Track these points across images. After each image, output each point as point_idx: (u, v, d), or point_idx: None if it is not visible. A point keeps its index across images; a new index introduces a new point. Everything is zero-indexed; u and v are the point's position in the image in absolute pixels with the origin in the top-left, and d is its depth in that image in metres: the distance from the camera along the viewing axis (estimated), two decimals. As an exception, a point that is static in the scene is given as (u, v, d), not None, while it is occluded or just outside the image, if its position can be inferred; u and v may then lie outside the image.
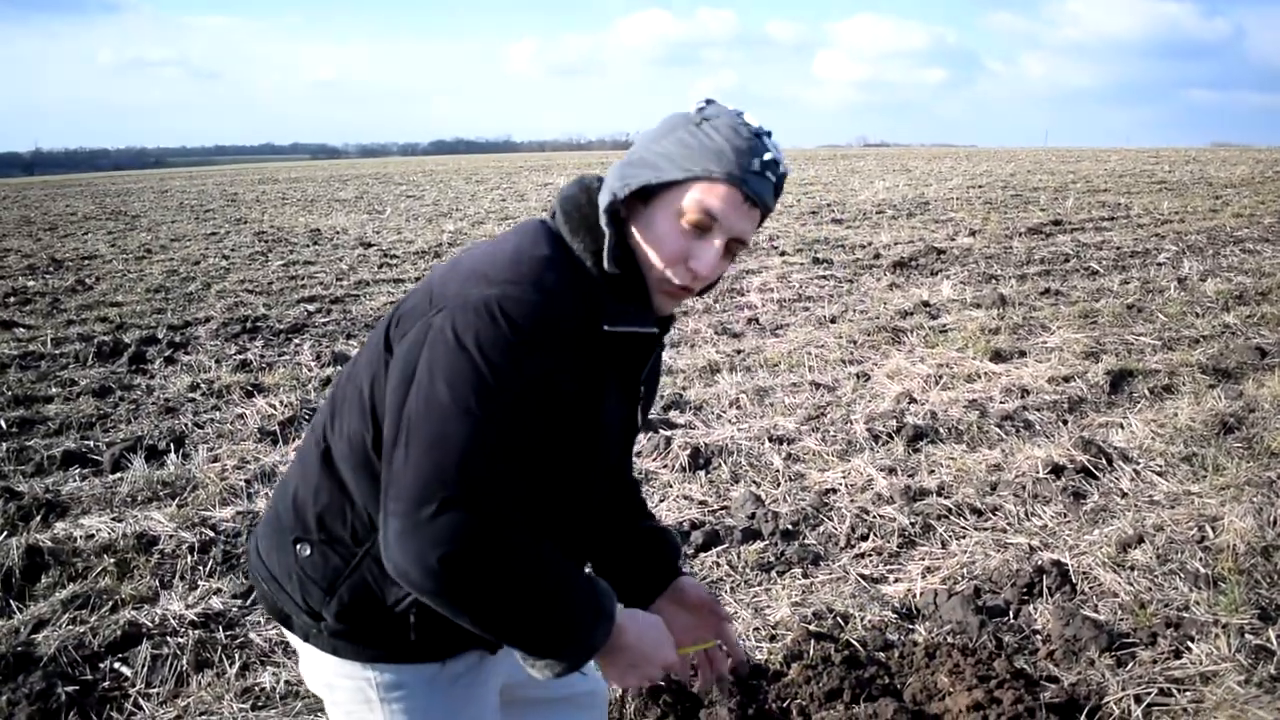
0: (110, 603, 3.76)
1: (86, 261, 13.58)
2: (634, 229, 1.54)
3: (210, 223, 19.17)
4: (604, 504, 1.84)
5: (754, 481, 4.87)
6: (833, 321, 8.42)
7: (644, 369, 1.65)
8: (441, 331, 1.40)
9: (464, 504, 1.33)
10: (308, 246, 14.65)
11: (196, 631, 3.54)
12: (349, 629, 1.59)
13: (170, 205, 24.49)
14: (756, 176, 1.47)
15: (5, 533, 4.31)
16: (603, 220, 1.52)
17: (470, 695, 1.70)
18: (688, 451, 5.08)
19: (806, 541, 4.24)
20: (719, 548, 4.16)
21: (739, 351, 7.38)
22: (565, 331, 1.43)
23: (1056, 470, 4.87)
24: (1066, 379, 6.43)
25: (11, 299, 10.48)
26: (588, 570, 1.84)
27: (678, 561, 1.95)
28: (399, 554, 1.35)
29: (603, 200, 1.53)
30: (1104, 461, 4.96)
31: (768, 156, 1.48)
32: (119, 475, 5.08)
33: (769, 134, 1.51)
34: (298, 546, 1.60)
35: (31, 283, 11.65)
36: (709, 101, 1.55)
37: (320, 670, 1.66)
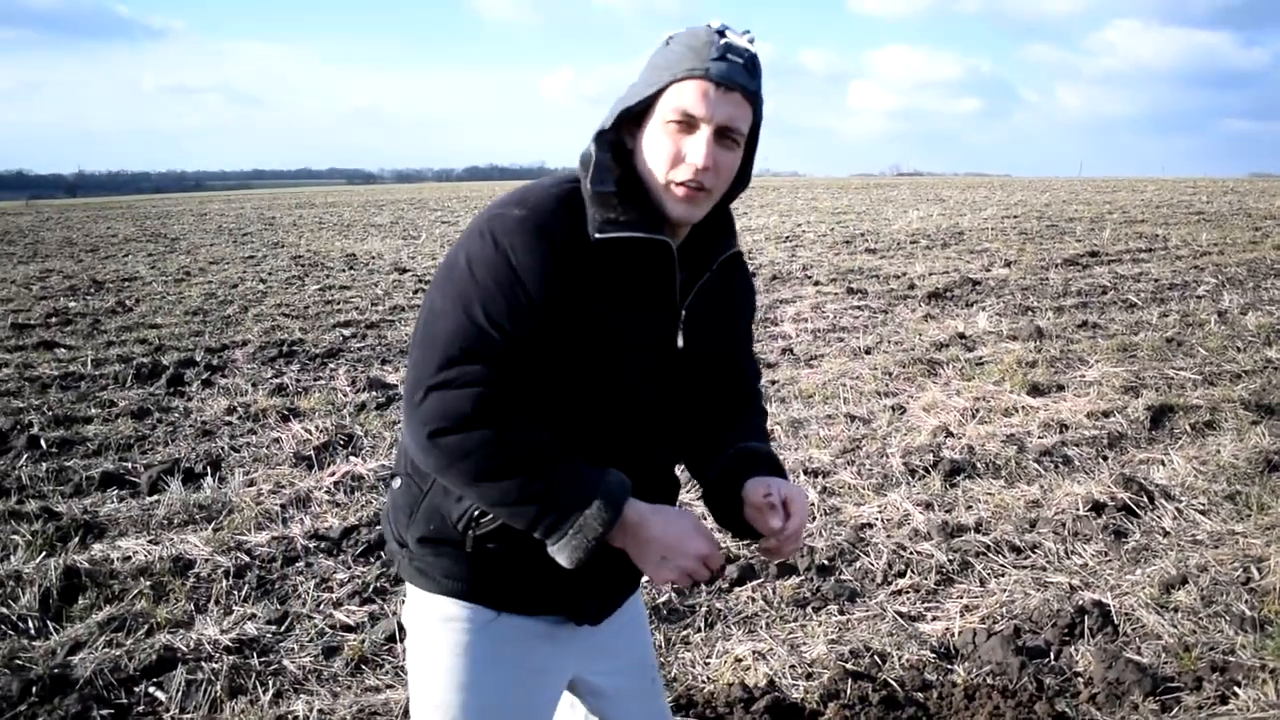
0: (146, 626, 3.77)
1: (127, 283, 13.76)
2: (637, 152, 1.65)
3: (248, 246, 19.38)
4: (668, 436, 1.82)
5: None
6: (867, 353, 8.38)
7: (674, 287, 1.69)
8: (447, 257, 1.64)
9: (445, 386, 1.53)
10: (344, 271, 14.78)
11: (231, 657, 3.55)
12: (425, 555, 1.75)
13: (209, 228, 24.79)
14: (719, 63, 1.55)
15: (44, 553, 4.35)
16: (592, 147, 1.64)
17: (515, 654, 1.79)
18: (722, 483, 5.05)
19: (843, 577, 4.20)
20: (754, 582, 4.12)
21: (773, 382, 7.35)
22: (547, 242, 1.56)
23: (1097, 508, 4.80)
24: (1106, 414, 6.35)
25: (53, 319, 10.62)
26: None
27: (755, 472, 1.78)
28: (408, 439, 1.59)
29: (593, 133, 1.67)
30: (1145, 499, 4.89)
31: (723, 42, 1.57)
32: (156, 497, 5.11)
33: (731, 29, 1.60)
34: (394, 481, 1.83)
35: (73, 303, 11.82)
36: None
37: (407, 601, 1.85)
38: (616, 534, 1.59)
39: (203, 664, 3.50)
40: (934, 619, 3.87)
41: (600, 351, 1.62)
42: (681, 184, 1.60)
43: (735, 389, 1.95)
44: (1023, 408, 6.56)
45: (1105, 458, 5.64)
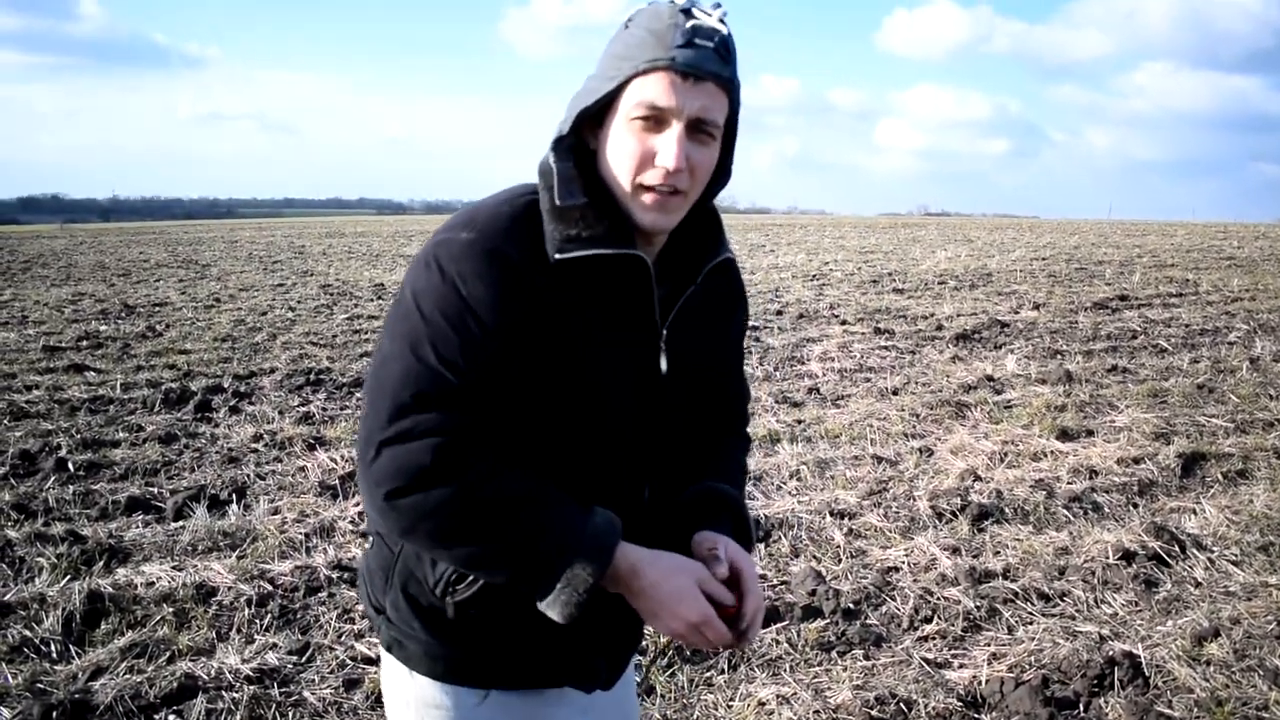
0: (167, 653, 3.77)
1: (157, 308, 13.89)
2: (600, 155, 1.48)
3: (277, 274, 19.54)
4: (658, 470, 1.63)
5: (814, 556, 4.79)
6: (895, 393, 8.33)
7: (652, 305, 1.51)
8: (397, 292, 1.47)
9: (398, 440, 1.36)
10: (372, 301, 14.87)
11: (251, 687, 3.54)
12: (402, 625, 1.57)
13: (239, 255, 25.03)
14: (685, 49, 1.37)
15: (69, 577, 4.37)
16: (550, 157, 1.48)
17: None
18: (747, 522, 5.01)
19: (868, 621, 4.15)
20: (779, 624, 4.08)
21: (799, 421, 7.31)
22: (499, 267, 1.39)
23: (1127, 556, 4.73)
24: (1136, 460, 6.28)
25: (84, 343, 10.73)
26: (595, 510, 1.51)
27: (713, 523, 1.65)
28: (364, 502, 1.43)
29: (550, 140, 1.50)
30: (1176, 549, 4.82)
31: (690, 24, 1.38)
32: (181, 524, 5.12)
33: (699, 5, 1.43)
34: (368, 540, 1.68)
35: (104, 327, 11.93)
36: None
37: (384, 668, 1.67)
38: (609, 581, 1.42)
39: (223, 693, 3.49)
40: (961, 666, 3.81)
41: (573, 382, 1.45)
42: (651, 189, 1.43)
43: (720, 413, 1.79)
44: (1052, 452, 6.49)
45: (1135, 505, 5.57)
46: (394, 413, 1.37)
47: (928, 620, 4.17)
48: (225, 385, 8.45)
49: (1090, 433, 7.04)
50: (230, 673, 3.61)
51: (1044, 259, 22.71)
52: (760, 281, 17.52)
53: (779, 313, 13.21)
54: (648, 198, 1.44)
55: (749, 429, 1.94)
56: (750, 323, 12.03)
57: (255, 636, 3.95)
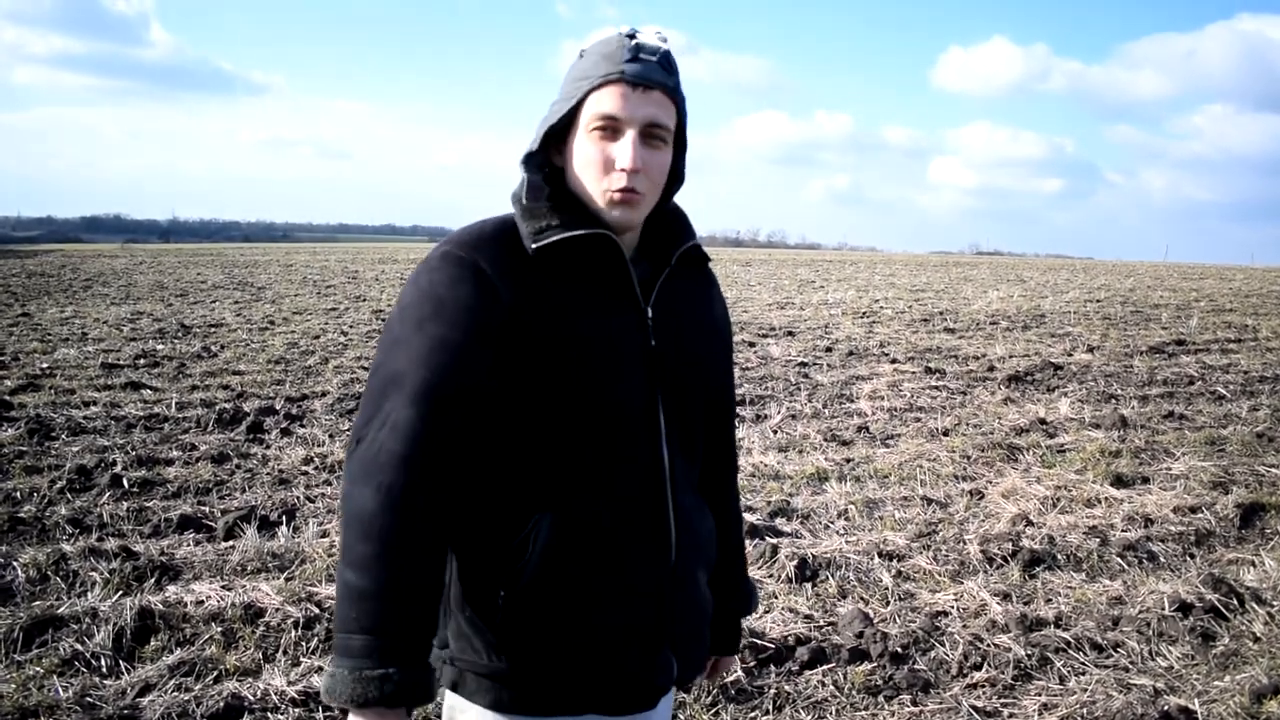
0: (215, 672, 3.80)
1: (213, 329, 14.12)
2: (568, 168, 1.63)
3: (331, 298, 19.80)
4: (688, 471, 1.75)
5: (862, 598, 4.73)
6: (945, 434, 8.24)
7: (632, 283, 1.64)
8: None
9: (367, 438, 1.50)
10: (422, 326, 14.97)
11: (297, 710, 3.56)
12: (464, 653, 1.62)
13: (294, 279, 25.39)
14: (633, 64, 1.55)
15: (120, 592, 4.43)
16: (521, 169, 1.65)
17: None
18: (794, 562, 4.97)
19: (916, 666, 4.08)
20: (825, 666, 4.03)
21: (848, 460, 7.25)
22: (472, 269, 1.53)
23: (1184, 608, 4.62)
24: (1193, 509, 6.15)
25: (141, 361, 10.92)
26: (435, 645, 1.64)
27: (736, 638, 2.05)
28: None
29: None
30: (1235, 601, 4.70)
31: (635, 43, 1.57)
32: (231, 543, 5.17)
33: (641, 30, 1.60)
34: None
35: (160, 346, 12.15)
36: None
37: (445, 712, 1.69)
38: None
39: (269, 715, 3.51)
40: (1011, 716, 3.74)
41: (570, 360, 1.56)
42: (616, 189, 1.57)
43: (718, 436, 1.90)
44: (1106, 499, 6.38)
45: (1192, 555, 5.45)
46: (371, 412, 1.51)
47: (977, 667, 4.09)
48: (277, 407, 8.56)
49: (1145, 480, 6.91)
50: (276, 694, 3.63)
51: (1098, 301, 22.43)
52: (810, 318, 17.47)
53: (828, 349, 13.14)
54: (613, 198, 1.58)
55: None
56: (799, 359, 11.96)
57: (301, 659, 3.97)
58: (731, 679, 3.87)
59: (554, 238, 1.56)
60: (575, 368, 1.55)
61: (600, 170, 1.57)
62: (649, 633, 1.65)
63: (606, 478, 1.59)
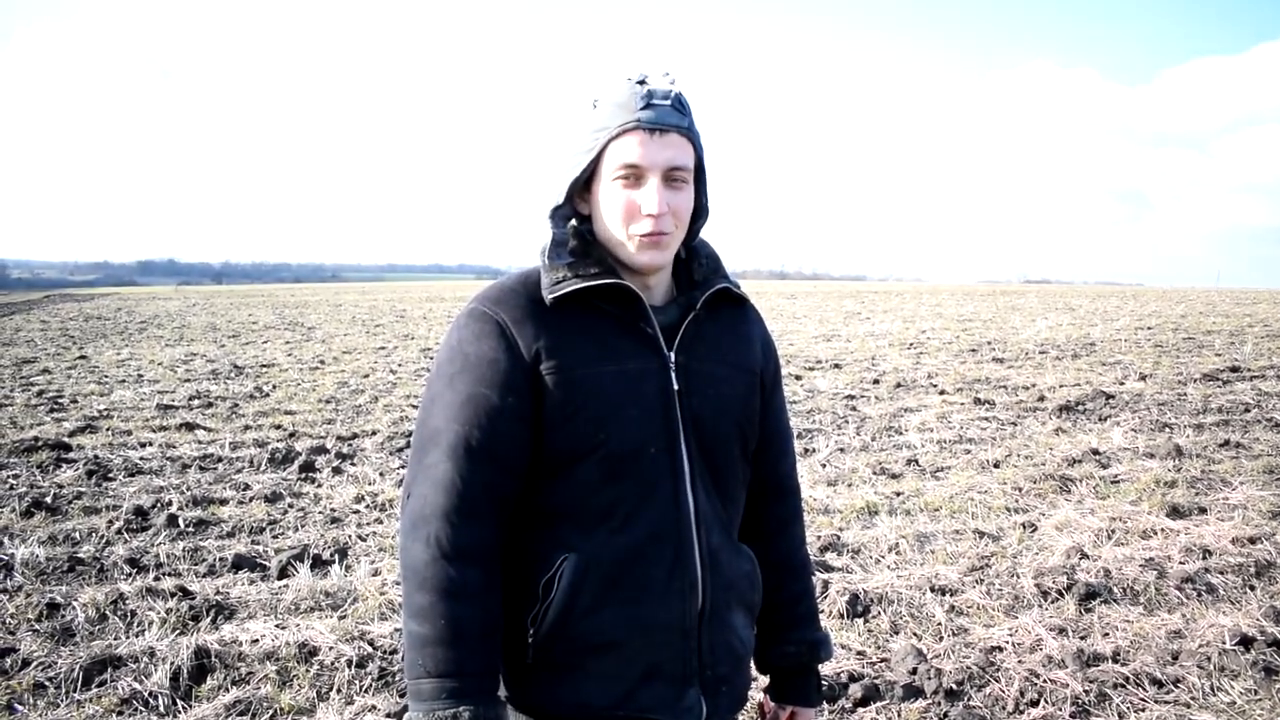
0: (270, 711, 3.84)
1: (265, 369, 14.34)
2: (595, 217, 1.69)
3: (379, 337, 20.04)
4: (722, 513, 1.75)
5: (915, 634, 4.67)
6: (996, 466, 8.14)
7: (654, 330, 1.67)
8: None
9: (410, 501, 1.62)
10: (469, 363, 15.10)
11: (350, 749, 3.57)
12: (512, 679, 1.68)
13: (343, 319, 25.74)
14: (647, 110, 1.60)
15: (177, 631, 4.49)
16: (549, 225, 1.70)
17: None
18: (845, 597, 4.93)
19: (972, 703, 4.02)
20: (878, 703, 3.98)
21: (898, 494, 7.19)
22: (494, 323, 1.62)
23: (1245, 641, 4.51)
24: (1252, 540, 6.01)
25: (195, 401, 11.11)
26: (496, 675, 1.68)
27: (806, 689, 2.01)
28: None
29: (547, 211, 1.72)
30: (1300, 636, 4.58)
31: (645, 90, 1.61)
32: (285, 582, 5.23)
33: (650, 75, 1.65)
34: None
35: (214, 387, 12.36)
36: None
37: None
38: None
39: (323, 754, 3.53)
40: (1070, 754, 3.67)
41: (587, 409, 1.60)
42: (643, 233, 1.62)
43: (766, 476, 1.89)
44: (1162, 530, 6.26)
45: (1253, 587, 5.32)
46: (416, 468, 1.63)
47: (1034, 704, 4.03)
48: (329, 446, 8.66)
49: (1203, 510, 6.78)
50: (330, 733, 3.66)
51: (1149, 328, 22.10)
52: (856, 349, 17.38)
53: (875, 381, 13.06)
54: (641, 242, 1.64)
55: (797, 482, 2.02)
56: (846, 391, 11.89)
57: (354, 698, 4.00)
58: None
59: (568, 289, 1.62)
60: (590, 413, 1.61)
61: (627, 217, 1.63)
62: (674, 673, 1.66)
63: (627, 519, 1.63)
